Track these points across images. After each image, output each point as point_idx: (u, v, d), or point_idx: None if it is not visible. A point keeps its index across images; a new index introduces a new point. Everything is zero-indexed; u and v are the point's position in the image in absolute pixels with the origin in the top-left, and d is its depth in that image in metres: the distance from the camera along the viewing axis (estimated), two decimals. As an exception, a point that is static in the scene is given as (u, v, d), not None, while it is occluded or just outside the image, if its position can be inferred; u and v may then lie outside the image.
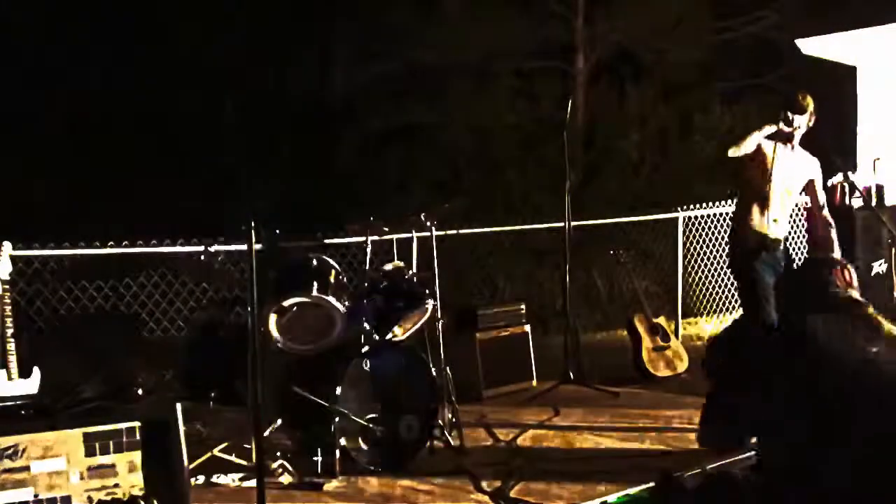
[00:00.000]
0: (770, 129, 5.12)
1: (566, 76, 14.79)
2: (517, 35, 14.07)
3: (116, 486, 3.73)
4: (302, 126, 15.25)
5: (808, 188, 5.37)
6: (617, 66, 14.81)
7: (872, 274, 5.63)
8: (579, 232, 8.18)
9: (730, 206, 8.30)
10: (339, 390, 4.69)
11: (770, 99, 11.96)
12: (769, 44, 14.28)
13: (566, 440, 5.45)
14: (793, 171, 5.26)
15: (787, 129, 5.13)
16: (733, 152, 5.12)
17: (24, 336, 4.81)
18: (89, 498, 3.68)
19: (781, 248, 5.31)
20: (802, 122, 5.15)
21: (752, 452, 3.61)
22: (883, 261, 5.55)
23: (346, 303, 5.00)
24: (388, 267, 5.32)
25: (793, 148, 5.23)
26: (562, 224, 7.04)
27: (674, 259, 9.15)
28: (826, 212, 5.42)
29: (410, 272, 5.31)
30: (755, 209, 5.23)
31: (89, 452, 3.66)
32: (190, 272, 6.94)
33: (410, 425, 4.89)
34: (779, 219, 5.27)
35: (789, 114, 5.10)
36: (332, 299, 4.87)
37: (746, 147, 5.11)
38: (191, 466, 4.10)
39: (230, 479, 4.63)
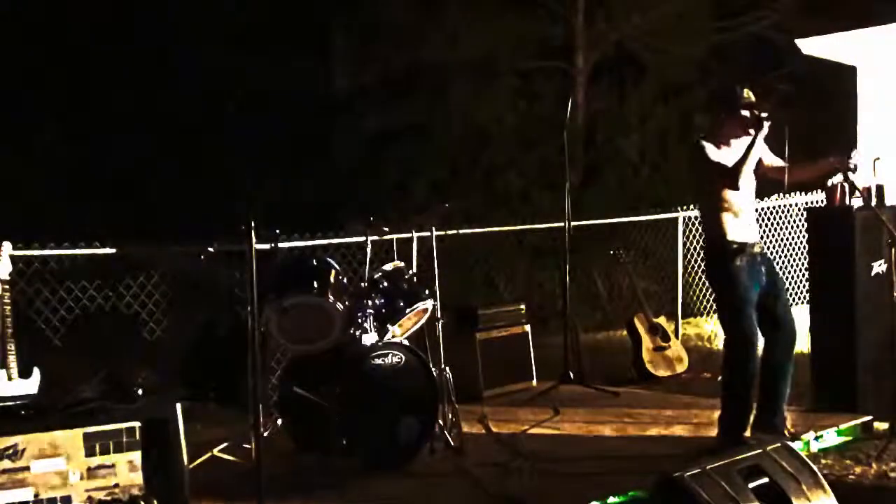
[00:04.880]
0: (759, 141, 4.95)
1: (566, 76, 14.77)
2: (517, 35, 14.07)
3: (116, 486, 3.74)
4: (302, 126, 15.23)
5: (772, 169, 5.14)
6: (617, 66, 14.80)
7: (872, 274, 5.61)
8: (579, 232, 8.18)
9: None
10: (338, 390, 4.69)
11: (770, 99, 11.92)
12: (769, 44, 14.27)
13: (566, 440, 5.45)
14: (755, 173, 5.11)
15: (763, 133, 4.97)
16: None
17: (24, 336, 4.80)
18: (89, 498, 3.69)
19: (760, 252, 5.11)
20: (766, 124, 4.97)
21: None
22: (883, 261, 5.53)
23: (346, 303, 5.01)
24: (388, 267, 5.32)
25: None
26: (562, 224, 7.05)
27: (674, 259, 9.16)
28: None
29: (410, 272, 5.31)
30: (727, 216, 5.01)
31: (89, 452, 3.67)
32: (189, 272, 6.93)
33: (410, 425, 4.89)
34: (751, 222, 5.13)
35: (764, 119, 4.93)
36: (331, 299, 4.88)
37: (748, 169, 4.95)
38: (191, 466, 4.10)
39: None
